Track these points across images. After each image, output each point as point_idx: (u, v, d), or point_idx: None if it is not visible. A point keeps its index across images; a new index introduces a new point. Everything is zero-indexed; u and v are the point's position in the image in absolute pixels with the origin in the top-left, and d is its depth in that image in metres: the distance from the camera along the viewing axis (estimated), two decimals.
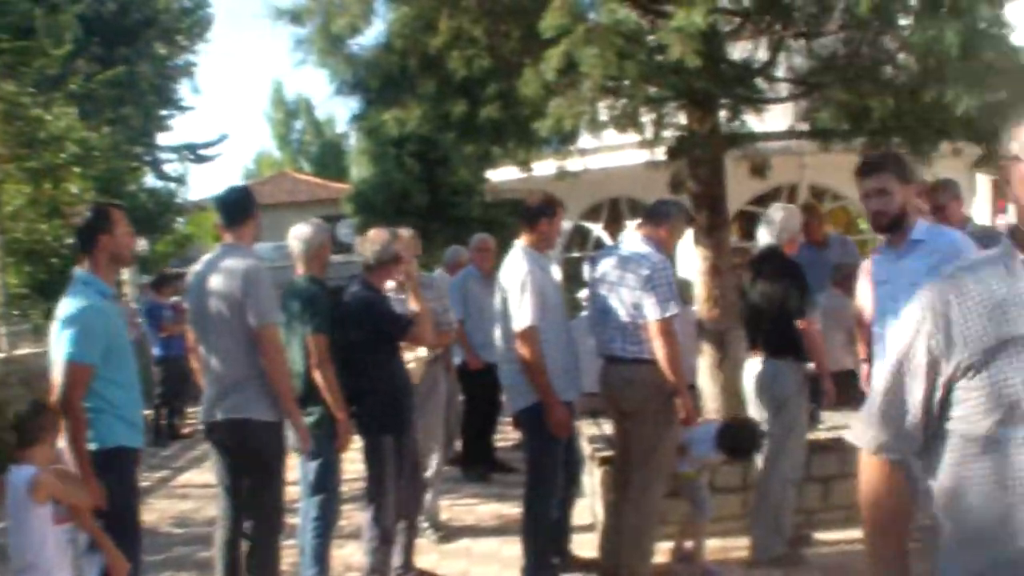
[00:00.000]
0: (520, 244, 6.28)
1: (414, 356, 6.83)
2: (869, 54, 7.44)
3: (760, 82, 8.25)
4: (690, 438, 6.18)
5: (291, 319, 5.83)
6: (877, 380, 2.39)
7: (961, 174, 12.04)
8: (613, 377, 6.00)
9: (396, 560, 6.27)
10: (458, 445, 9.62)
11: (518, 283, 6.00)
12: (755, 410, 6.54)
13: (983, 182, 20.77)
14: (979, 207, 19.89)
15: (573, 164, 9.54)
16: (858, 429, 2.45)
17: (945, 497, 2.28)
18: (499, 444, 10.10)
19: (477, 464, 9.43)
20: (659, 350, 5.75)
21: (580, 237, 14.35)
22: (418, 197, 23.54)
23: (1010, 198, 2.28)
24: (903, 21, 7.10)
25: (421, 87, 8.96)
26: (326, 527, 5.86)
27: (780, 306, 6.41)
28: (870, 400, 2.41)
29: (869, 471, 2.44)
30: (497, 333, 6.29)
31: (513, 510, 8.02)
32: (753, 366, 6.58)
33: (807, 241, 9.38)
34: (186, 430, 13.88)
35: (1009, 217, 21.50)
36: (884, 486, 2.42)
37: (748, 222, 11.99)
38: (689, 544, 6.51)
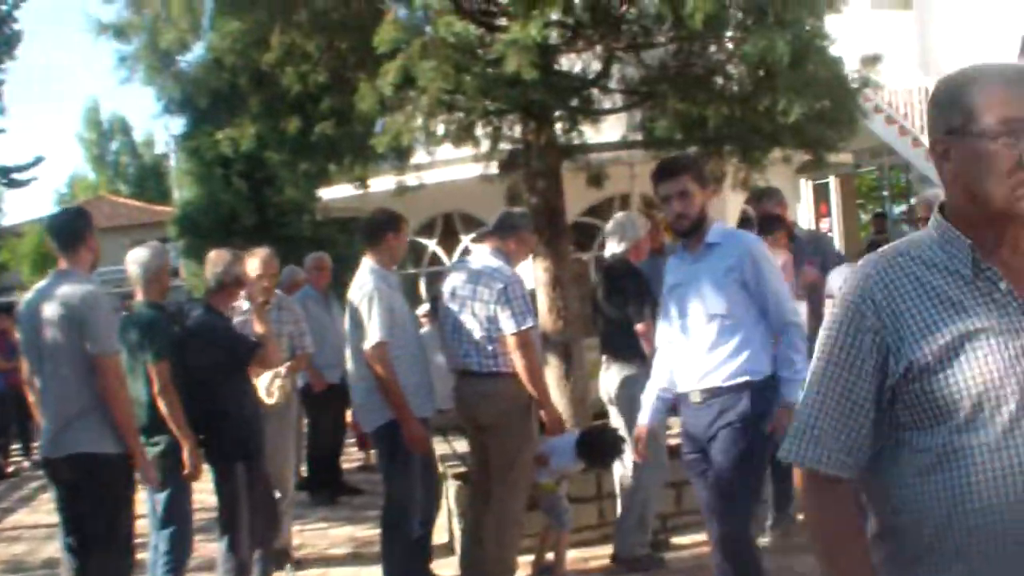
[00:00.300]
0: (367, 262, 6.20)
1: (274, 376, 6.67)
2: (701, 64, 7.63)
3: (595, 93, 8.36)
4: (549, 449, 6.18)
5: (131, 346, 5.61)
6: (810, 387, 2.12)
7: (787, 180, 12.49)
8: (469, 392, 5.96)
9: None
10: (302, 469, 9.45)
11: (366, 300, 5.93)
12: (615, 417, 6.60)
13: (806, 188, 21.63)
14: (802, 212, 20.69)
15: (410, 180, 9.47)
16: (794, 445, 2.13)
17: (893, 515, 2.06)
18: (344, 466, 9.95)
19: (325, 487, 9.26)
20: (518, 363, 5.74)
21: (415, 253, 14.27)
22: (246, 217, 23.07)
23: (946, 177, 2.05)
24: (731, 32, 7.32)
25: (253, 104, 8.79)
26: (178, 561, 5.64)
27: (626, 313, 6.49)
28: (803, 410, 2.13)
29: (815, 493, 2.14)
30: (348, 353, 6.20)
31: (366, 532, 7.94)
32: (609, 374, 6.64)
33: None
34: (10, 468, 13.26)
35: (834, 221, 22.35)
36: (834, 507, 2.11)
37: (582, 233, 12.14)
38: (550, 556, 6.51)
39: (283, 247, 22.21)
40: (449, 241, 14.32)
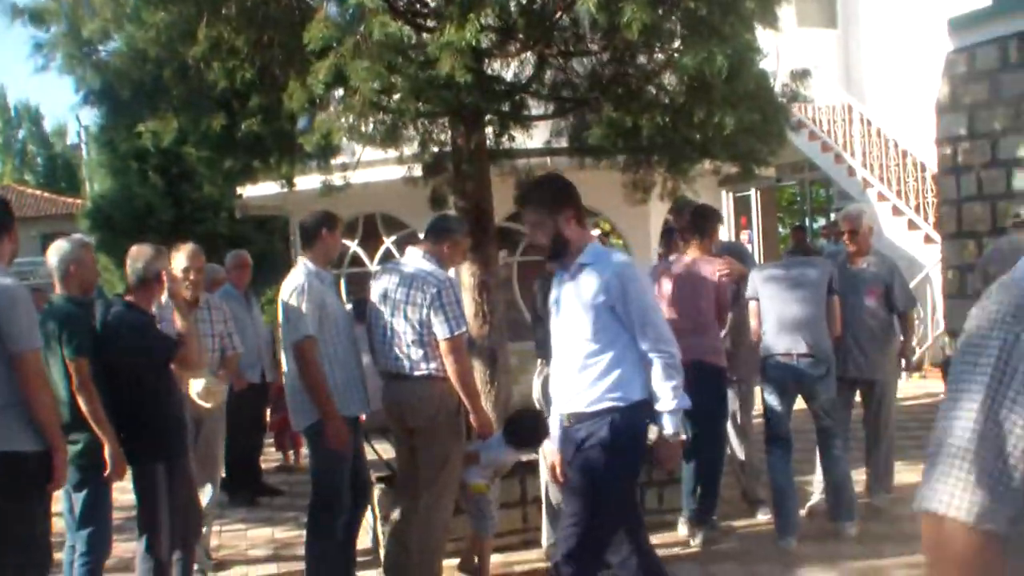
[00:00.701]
0: (302, 259, 6.15)
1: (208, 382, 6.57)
2: (635, 74, 7.66)
3: (527, 99, 8.36)
4: (479, 446, 6.16)
5: (49, 341, 5.46)
6: (958, 424, 1.68)
7: (710, 192, 12.62)
8: (400, 394, 5.92)
9: None
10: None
11: (296, 295, 5.89)
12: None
13: (727, 200, 21.88)
14: (723, 224, 20.92)
15: (335, 180, 9.38)
16: (945, 493, 1.69)
17: None
18: (263, 466, 9.81)
19: (244, 488, 9.12)
20: (450, 367, 5.72)
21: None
22: (162, 213, 22.69)
23: None
24: (667, 43, 7.37)
25: (176, 98, 8.63)
26: (95, 562, 5.50)
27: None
28: (950, 451, 1.69)
29: (964, 551, 1.71)
30: (283, 352, 6.15)
31: (286, 534, 7.84)
32: (545, 378, 6.62)
33: None
34: None
35: (754, 233, 22.57)
36: (985, 569, 1.70)
37: (506, 238, 12.15)
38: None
39: (200, 245, 21.97)
40: (371, 242, 14.25)
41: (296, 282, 5.96)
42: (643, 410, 4.58)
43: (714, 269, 6.95)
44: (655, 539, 6.89)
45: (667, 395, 4.50)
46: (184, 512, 5.84)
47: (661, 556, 6.60)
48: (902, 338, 7.52)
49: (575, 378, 4.63)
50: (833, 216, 8.91)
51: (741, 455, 7.66)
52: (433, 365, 5.78)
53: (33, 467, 4.89)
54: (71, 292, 5.66)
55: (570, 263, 4.69)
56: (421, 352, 5.78)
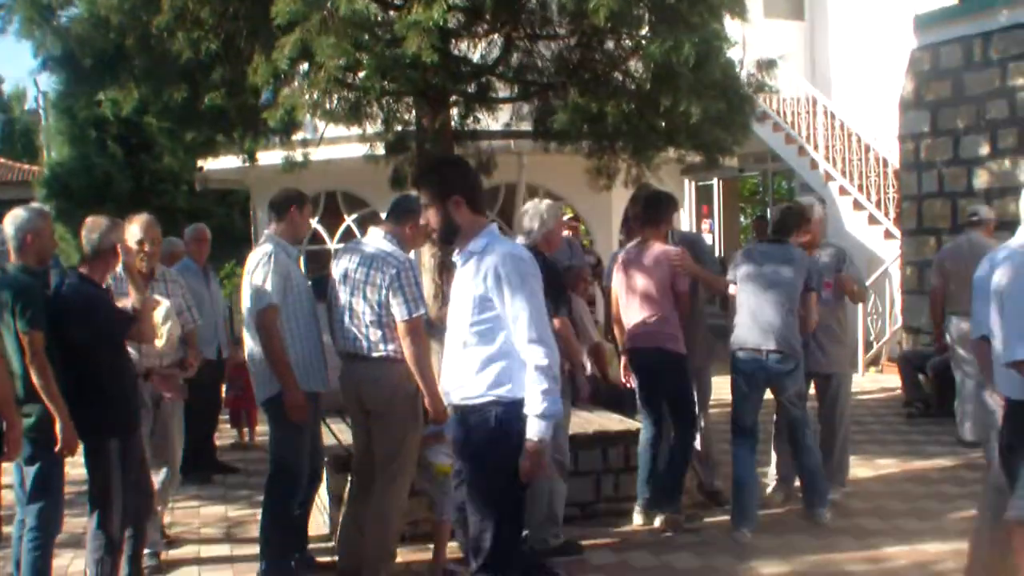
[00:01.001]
0: (269, 233, 6.12)
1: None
2: (601, 60, 7.65)
3: (493, 81, 8.33)
4: (446, 426, 6.11)
5: (2, 313, 5.36)
6: None
7: (672, 180, 12.64)
8: (357, 375, 5.88)
9: (123, 570, 5.89)
10: None
11: (262, 265, 5.86)
12: None
13: (690, 188, 21.93)
14: (685, 213, 20.99)
15: (297, 156, 9.31)
16: None
17: None
18: (218, 443, 9.73)
19: (198, 465, 9.03)
20: (407, 350, 5.68)
21: None
22: (121, 183, 22.43)
23: None
24: (634, 30, 7.36)
25: (138, 67, 8.52)
26: (46, 537, 5.41)
27: None
28: None
29: None
30: (244, 327, 6.10)
31: (239, 512, 7.78)
32: None
33: None
34: None
35: (715, 223, 22.61)
36: None
37: None
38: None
39: (158, 218, 21.75)
40: (332, 220, 14.18)
41: (264, 251, 5.92)
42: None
43: (670, 258, 6.94)
44: (612, 528, 6.96)
45: (535, 399, 4.23)
46: (136, 489, 5.78)
47: (617, 545, 6.66)
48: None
49: (460, 368, 4.43)
50: (770, 212, 8.93)
51: (698, 446, 7.66)
52: (391, 347, 5.73)
53: None
54: (27, 263, 5.55)
55: (463, 249, 4.49)
56: (379, 333, 5.74)
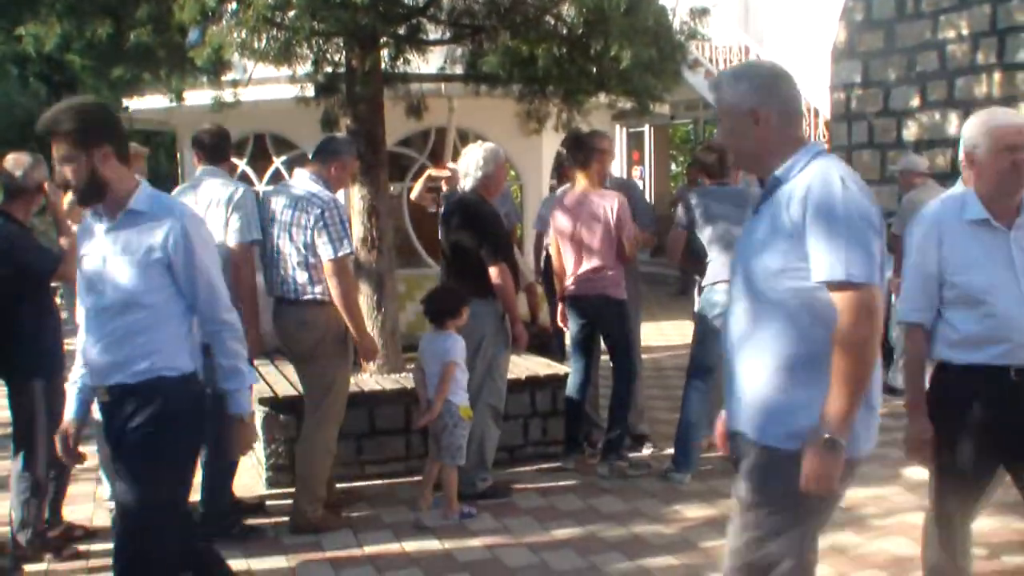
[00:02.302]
0: (209, 171, 6.11)
1: None
2: (533, 3, 7.58)
3: (424, 23, 8.22)
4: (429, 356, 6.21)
5: None
6: None
7: (603, 126, 12.61)
8: (285, 318, 5.86)
9: (44, 513, 5.84)
10: None
11: (223, 206, 5.88)
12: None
13: (621, 135, 21.95)
14: (616, 160, 21.00)
15: (227, 96, 9.14)
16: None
17: None
18: None
19: None
20: (333, 290, 5.68)
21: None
22: None
23: None
24: None
25: (61, 2, 8.31)
26: None
27: (476, 249, 6.44)
28: None
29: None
30: None
31: None
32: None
33: None
34: None
35: (646, 170, 22.72)
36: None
37: (395, 164, 12.03)
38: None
39: None
40: (260, 162, 13.98)
41: (226, 192, 5.93)
42: (196, 383, 3.97)
43: (607, 203, 6.94)
44: (539, 471, 7.02)
45: (233, 372, 3.96)
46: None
47: (545, 489, 6.71)
48: None
49: (114, 345, 3.87)
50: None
51: None
52: (319, 289, 5.73)
53: None
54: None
55: (113, 209, 3.87)
56: (306, 275, 5.73)
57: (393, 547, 5.77)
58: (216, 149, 6.19)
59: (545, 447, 7.37)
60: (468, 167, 6.60)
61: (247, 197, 5.95)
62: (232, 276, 5.63)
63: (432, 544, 5.79)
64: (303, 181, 5.90)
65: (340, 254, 5.68)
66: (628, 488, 6.73)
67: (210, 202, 5.90)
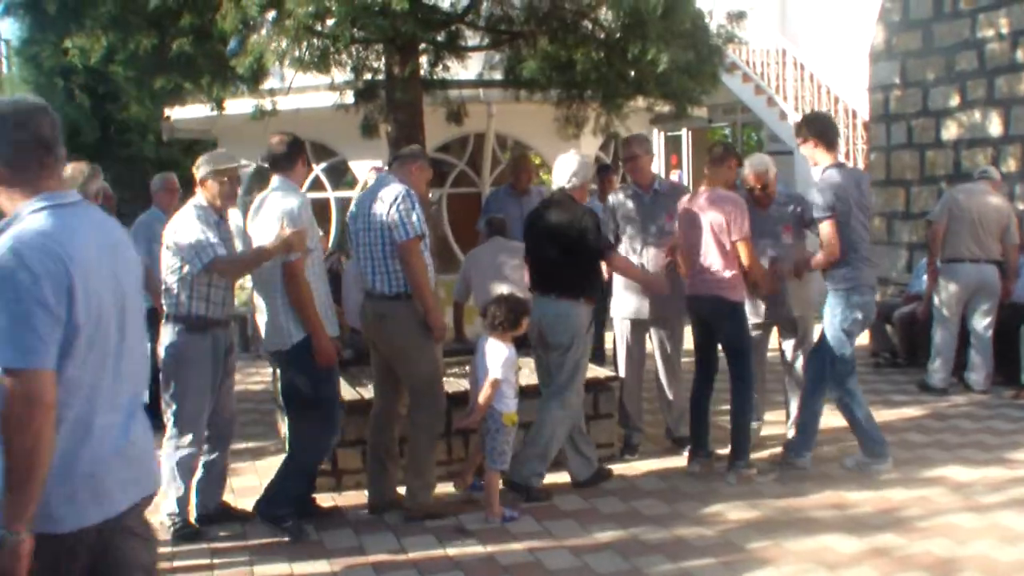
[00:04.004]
0: (279, 180, 6.12)
1: None
2: (571, 8, 7.62)
3: (463, 29, 8.30)
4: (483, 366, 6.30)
5: None
6: None
7: (642, 130, 12.63)
8: (374, 312, 6.17)
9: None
10: None
11: (288, 218, 5.87)
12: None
13: (659, 139, 21.93)
14: (654, 163, 20.99)
15: (267, 104, 9.26)
16: None
17: None
18: None
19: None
20: (405, 270, 5.98)
21: (261, 179, 13.99)
22: (88, 133, 22.23)
23: None
24: None
25: (105, 14, 8.44)
26: None
27: (576, 248, 6.52)
28: None
29: None
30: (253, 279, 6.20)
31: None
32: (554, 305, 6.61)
33: (511, 188, 9.56)
34: None
35: (684, 174, 22.65)
36: None
37: (433, 170, 12.09)
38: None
39: (124, 167, 21.61)
40: None
41: (289, 202, 5.93)
42: None
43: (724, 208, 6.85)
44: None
45: None
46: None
47: (586, 491, 6.71)
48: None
49: None
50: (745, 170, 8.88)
51: (670, 394, 7.68)
52: (402, 282, 6.04)
53: None
54: None
55: None
56: (386, 268, 6.05)
57: (436, 552, 5.80)
58: (280, 158, 6.19)
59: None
60: (565, 173, 6.68)
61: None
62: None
63: (474, 548, 5.82)
64: (383, 182, 6.18)
65: (412, 236, 5.93)
66: (668, 490, 6.72)
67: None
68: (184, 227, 5.81)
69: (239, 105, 9.72)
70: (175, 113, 13.82)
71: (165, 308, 5.93)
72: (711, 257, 6.81)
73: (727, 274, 6.82)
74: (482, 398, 6.20)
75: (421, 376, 6.13)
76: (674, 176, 22.62)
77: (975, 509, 6.13)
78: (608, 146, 14.99)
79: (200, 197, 5.97)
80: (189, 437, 5.93)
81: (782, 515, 6.16)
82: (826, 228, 6.71)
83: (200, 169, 5.95)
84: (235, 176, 6.17)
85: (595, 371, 7.66)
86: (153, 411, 8.54)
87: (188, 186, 11.95)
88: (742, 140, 24.05)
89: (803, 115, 7.65)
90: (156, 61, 8.57)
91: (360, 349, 7.35)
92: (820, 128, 6.85)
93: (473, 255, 8.31)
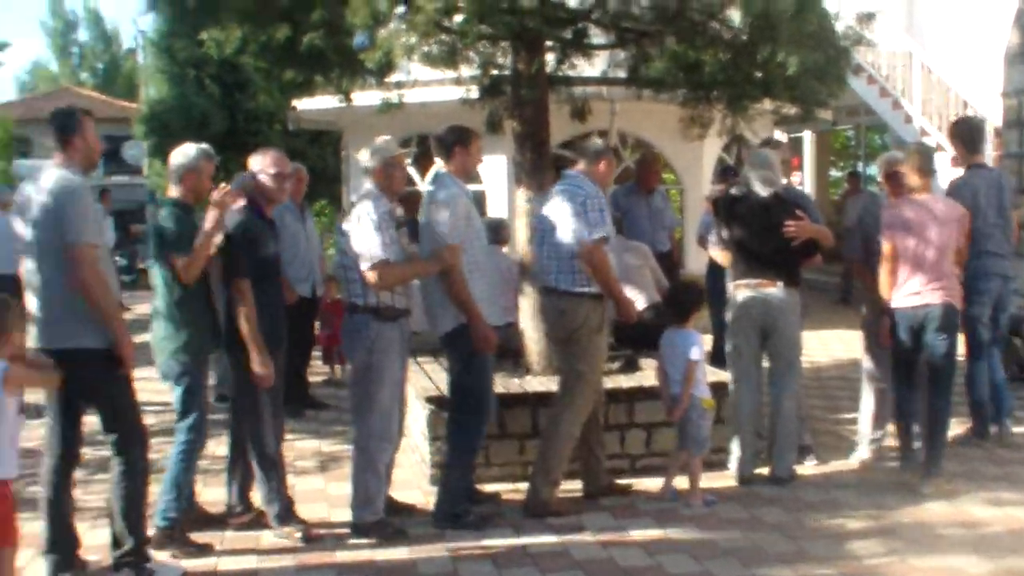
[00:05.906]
0: (442, 169, 6.31)
1: None
2: (699, 9, 7.54)
3: (589, 27, 8.27)
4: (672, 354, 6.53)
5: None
6: None
7: (764, 131, 12.48)
8: (547, 307, 6.41)
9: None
10: None
11: (444, 205, 6.03)
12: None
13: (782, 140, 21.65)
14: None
15: (393, 97, 9.35)
16: None
17: None
18: (311, 380, 9.91)
19: (292, 400, 9.20)
20: (589, 269, 6.14)
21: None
22: (217, 123, 22.77)
23: None
24: None
25: (240, 7, 8.61)
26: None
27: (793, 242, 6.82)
28: None
29: None
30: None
31: (333, 447, 7.95)
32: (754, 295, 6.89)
33: (637, 187, 9.53)
34: None
35: (806, 176, 22.30)
36: None
37: (559, 166, 12.10)
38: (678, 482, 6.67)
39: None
40: (424, 162, 14.21)
41: (446, 193, 6.08)
42: None
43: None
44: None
45: None
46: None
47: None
48: None
49: None
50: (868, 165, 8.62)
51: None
52: (579, 279, 6.21)
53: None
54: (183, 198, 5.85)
55: None
56: (563, 266, 6.25)
57: (554, 544, 5.84)
58: (441, 148, 6.40)
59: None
60: (772, 170, 6.98)
61: None
62: None
63: (594, 549, 5.83)
64: (569, 179, 6.44)
65: (595, 236, 6.12)
66: (789, 498, 6.63)
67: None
68: (364, 220, 5.87)
69: (365, 97, 9.84)
70: (301, 104, 14.06)
71: (351, 299, 6.00)
72: (946, 264, 6.77)
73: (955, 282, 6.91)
74: (686, 383, 6.44)
75: (574, 372, 6.29)
76: (794, 179, 22.30)
77: None
78: (730, 148, 14.84)
79: (373, 186, 6.05)
80: (384, 430, 5.99)
81: (907, 531, 6.02)
82: None
83: (373, 158, 6.06)
84: (404, 163, 6.43)
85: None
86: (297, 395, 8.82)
87: (314, 175, 12.18)
88: (865, 143, 23.63)
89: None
90: (288, 53, 8.71)
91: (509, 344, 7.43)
92: (962, 132, 7.58)
93: None
